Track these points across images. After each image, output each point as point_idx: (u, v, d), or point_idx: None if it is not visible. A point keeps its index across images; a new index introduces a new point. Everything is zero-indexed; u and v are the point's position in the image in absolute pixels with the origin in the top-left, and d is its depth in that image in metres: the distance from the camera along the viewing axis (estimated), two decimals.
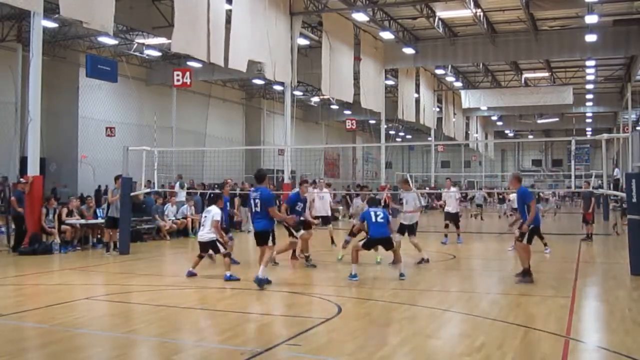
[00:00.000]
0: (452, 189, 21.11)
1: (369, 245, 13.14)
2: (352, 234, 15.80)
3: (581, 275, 13.51)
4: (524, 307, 10.11)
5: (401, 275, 12.57)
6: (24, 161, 20.29)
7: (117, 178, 18.03)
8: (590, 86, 49.27)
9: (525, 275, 12.20)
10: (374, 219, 12.88)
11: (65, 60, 33.03)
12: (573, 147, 20.16)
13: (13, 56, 30.22)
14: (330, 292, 11.32)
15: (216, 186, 27.50)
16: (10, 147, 29.48)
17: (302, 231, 14.96)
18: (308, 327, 8.56)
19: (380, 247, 13.79)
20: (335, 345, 7.72)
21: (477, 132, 63.90)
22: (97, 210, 19.70)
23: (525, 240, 12.29)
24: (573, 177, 20.02)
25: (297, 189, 15.72)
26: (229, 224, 23.34)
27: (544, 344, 7.82)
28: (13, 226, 18.05)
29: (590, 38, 31.24)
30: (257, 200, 11.81)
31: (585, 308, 10.51)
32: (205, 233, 12.82)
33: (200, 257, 13.16)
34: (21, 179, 18.69)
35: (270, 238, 11.93)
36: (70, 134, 33.27)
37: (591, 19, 28.60)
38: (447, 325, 9.11)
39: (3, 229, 19.73)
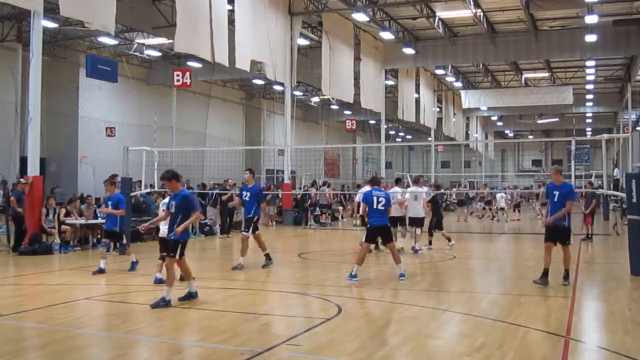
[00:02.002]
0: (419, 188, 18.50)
1: (371, 237, 12.76)
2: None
3: (581, 275, 13.51)
4: (524, 307, 10.10)
5: (401, 275, 12.53)
6: (24, 161, 20.30)
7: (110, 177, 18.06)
8: (590, 86, 49.23)
9: (567, 276, 12.12)
10: (375, 205, 12.53)
11: (65, 60, 33.01)
12: (573, 147, 20.17)
13: (13, 56, 30.18)
14: (330, 292, 11.31)
15: (216, 186, 27.55)
16: (10, 147, 29.49)
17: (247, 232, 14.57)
18: (308, 327, 8.57)
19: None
20: (336, 345, 7.71)
21: (477, 132, 63.87)
22: (97, 210, 19.68)
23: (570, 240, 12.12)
24: (573, 177, 20.00)
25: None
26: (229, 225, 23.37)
27: (544, 344, 7.83)
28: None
29: (590, 38, 31.25)
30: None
31: (585, 308, 10.52)
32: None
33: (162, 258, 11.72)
34: (21, 179, 18.70)
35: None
36: (70, 134, 33.23)
37: (591, 19, 28.61)
38: (447, 325, 9.12)
39: (3, 228, 19.73)
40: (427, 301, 10.82)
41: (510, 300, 10.67)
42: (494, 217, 33.78)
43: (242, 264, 14.30)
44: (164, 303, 9.81)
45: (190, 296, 10.32)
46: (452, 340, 8.17)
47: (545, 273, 11.86)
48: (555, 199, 11.98)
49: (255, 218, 14.58)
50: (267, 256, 14.74)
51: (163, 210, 11.61)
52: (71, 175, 33.09)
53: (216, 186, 27.62)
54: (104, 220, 18.37)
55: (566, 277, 12.00)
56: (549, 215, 12.15)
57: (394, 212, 16.76)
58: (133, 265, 14.12)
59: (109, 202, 14.22)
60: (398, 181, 19.20)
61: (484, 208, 35.31)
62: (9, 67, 30.09)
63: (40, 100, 17.72)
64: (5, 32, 29.98)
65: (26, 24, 26.55)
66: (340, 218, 33.25)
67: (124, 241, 14.90)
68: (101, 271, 13.51)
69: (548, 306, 10.22)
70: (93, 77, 23.27)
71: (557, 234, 12.00)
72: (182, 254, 10.18)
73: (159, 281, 11.98)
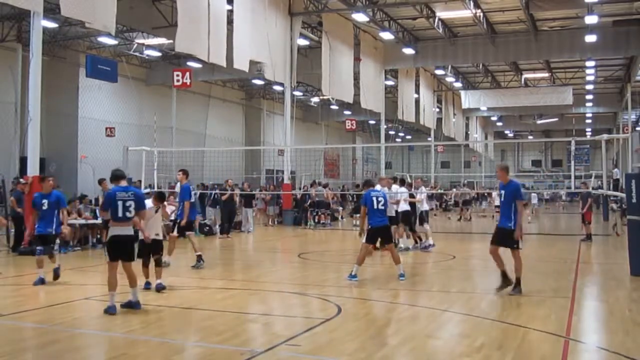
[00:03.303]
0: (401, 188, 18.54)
1: (372, 238, 12.71)
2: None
3: (581, 276, 13.51)
4: (524, 307, 10.10)
5: (401, 275, 12.53)
6: (23, 161, 20.29)
7: (101, 181, 18.05)
8: (590, 86, 49.22)
9: (518, 285, 11.05)
10: (375, 205, 12.52)
11: (65, 60, 33.01)
12: (573, 148, 20.24)
13: (13, 56, 30.20)
14: (330, 292, 11.31)
15: (216, 186, 27.55)
16: (10, 147, 29.51)
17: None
18: (308, 327, 8.56)
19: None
20: (335, 345, 7.71)
21: (477, 133, 63.87)
22: (97, 210, 19.61)
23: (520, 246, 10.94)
24: (573, 177, 20.04)
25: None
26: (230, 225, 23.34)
27: (543, 344, 7.83)
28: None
29: (590, 38, 31.22)
30: (130, 202, 9.78)
31: (585, 308, 10.52)
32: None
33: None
34: (20, 179, 18.68)
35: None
36: (70, 134, 33.23)
37: (591, 20, 28.59)
38: (446, 325, 9.12)
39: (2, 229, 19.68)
40: (427, 301, 10.82)
41: (509, 301, 10.65)
42: (461, 218, 33.68)
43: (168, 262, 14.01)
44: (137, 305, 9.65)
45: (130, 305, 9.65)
46: (451, 341, 8.17)
47: (504, 275, 11.14)
48: (502, 199, 11.25)
49: (179, 220, 14.60)
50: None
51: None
52: (71, 175, 33.07)
53: (216, 186, 27.63)
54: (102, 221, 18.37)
55: (516, 286, 11.01)
56: (500, 216, 11.51)
57: (400, 208, 17.08)
58: (40, 280, 12.10)
59: (44, 201, 12.42)
60: (403, 182, 19.20)
61: (462, 209, 35.03)
62: (9, 67, 30.10)
63: (40, 100, 17.68)
64: (5, 32, 29.99)
65: (26, 24, 26.55)
66: (340, 218, 33.24)
67: (56, 246, 14.18)
68: (42, 281, 12.09)
69: (548, 306, 10.21)
70: (93, 77, 23.27)
71: (503, 237, 11.14)
72: (110, 258, 9.66)
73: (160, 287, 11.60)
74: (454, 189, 40.21)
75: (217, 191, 24.36)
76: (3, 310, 9.49)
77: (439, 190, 40.15)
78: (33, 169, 17.50)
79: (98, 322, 9.16)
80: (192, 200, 14.95)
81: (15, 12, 26.68)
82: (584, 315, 9.97)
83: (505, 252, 11.12)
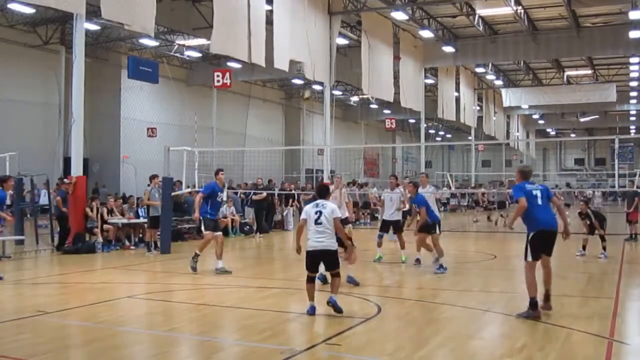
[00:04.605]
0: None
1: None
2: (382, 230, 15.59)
3: (625, 276, 13.27)
4: (566, 308, 9.95)
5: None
6: (67, 161, 20.61)
7: (152, 177, 18.21)
8: (634, 83, 48.33)
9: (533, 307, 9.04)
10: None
11: (108, 62, 33.49)
12: (617, 146, 19.89)
13: (56, 58, 30.78)
14: (370, 292, 11.29)
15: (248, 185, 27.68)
16: (54, 148, 30.06)
17: (215, 232, 13.53)
18: (348, 327, 8.55)
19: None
20: (375, 345, 7.71)
21: (518, 131, 63.12)
22: (140, 210, 19.82)
23: (529, 257, 9.30)
24: (617, 176, 19.74)
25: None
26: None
27: (586, 346, 7.71)
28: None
29: (635, 34, 30.64)
30: None
31: (629, 309, 10.33)
32: None
33: None
34: (64, 179, 18.98)
35: None
36: (113, 134, 33.73)
37: (635, 15, 28.03)
38: (488, 326, 9.04)
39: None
40: (468, 301, 10.71)
41: (552, 302, 10.51)
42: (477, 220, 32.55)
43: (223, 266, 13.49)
44: None
45: None
46: (493, 341, 8.11)
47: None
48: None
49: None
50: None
51: None
52: (113, 175, 33.58)
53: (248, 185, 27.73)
54: (145, 220, 18.61)
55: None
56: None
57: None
58: None
59: None
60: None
61: (486, 208, 33.78)
62: (52, 69, 30.66)
63: (83, 102, 17.96)
64: (49, 35, 30.57)
65: (69, 26, 26.99)
66: (379, 218, 33.00)
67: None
68: None
69: (591, 307, 10.06)
70: (134, 79, 23.58)
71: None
72: None
73: None
74: (482, 189, 39.16)
75: (252, 191, 24.45)
76: (48, 308, 9.64)
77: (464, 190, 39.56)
78: (77, 170, 17.77)
79: (140, 320, 9.28)
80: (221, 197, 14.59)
81: (58, 15, 27.15)
82: (628, 317, 9.80)
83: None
